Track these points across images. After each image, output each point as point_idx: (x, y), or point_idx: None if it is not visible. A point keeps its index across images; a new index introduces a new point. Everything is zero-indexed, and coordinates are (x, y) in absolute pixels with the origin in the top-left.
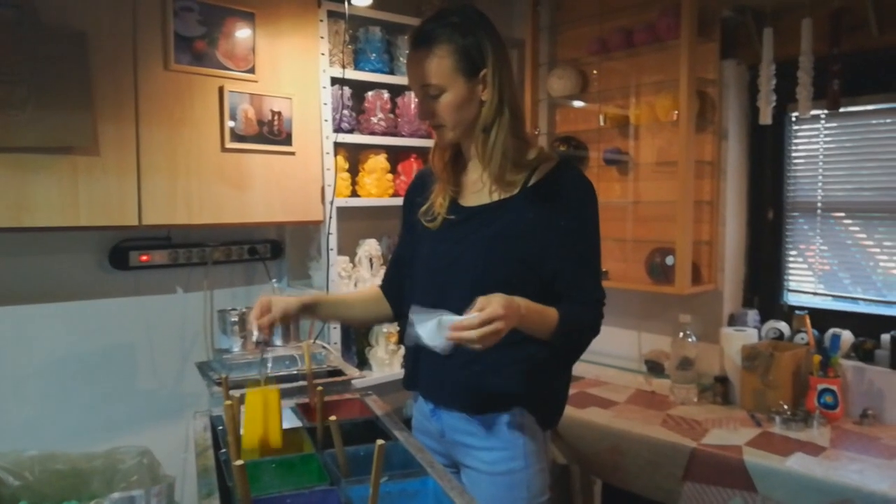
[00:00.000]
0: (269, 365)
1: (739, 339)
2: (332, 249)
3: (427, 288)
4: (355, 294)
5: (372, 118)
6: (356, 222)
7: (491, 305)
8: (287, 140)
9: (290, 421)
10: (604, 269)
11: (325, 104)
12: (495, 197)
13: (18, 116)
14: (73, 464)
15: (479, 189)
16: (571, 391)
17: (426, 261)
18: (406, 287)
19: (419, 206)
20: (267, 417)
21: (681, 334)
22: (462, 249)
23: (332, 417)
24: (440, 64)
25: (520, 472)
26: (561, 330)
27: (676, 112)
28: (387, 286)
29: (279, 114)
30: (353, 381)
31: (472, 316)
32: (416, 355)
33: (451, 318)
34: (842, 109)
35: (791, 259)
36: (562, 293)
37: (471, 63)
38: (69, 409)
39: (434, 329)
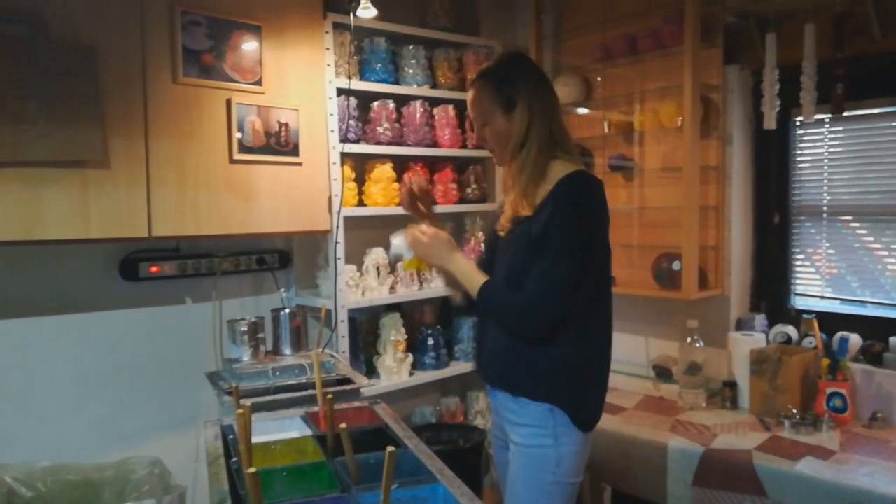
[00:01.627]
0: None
1: (747, 343)
2: (339, 258)
3: None
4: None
5: (378, 128)
6: (363, 231)
7: (431, 231)
8: (294, 151)
9: (301, 429)
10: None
11: (332, 115)
12: (527, 211)
13: (30, 131)
14: (85, 474)
15: None
16: None
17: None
18: None
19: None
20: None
21: (688, 339)
22: (506, 253)
23: (343, 425)
24: (482, 101)
25: (549, 447)
26: (478, 298)
27: (681, 118)
28: None
29: (286, 125)
30: (361, 390)
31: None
32: (480, 340)
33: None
34: (846, 113)
35: (798, 263)
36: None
37: (506, 100)
38: (80, 419)
39: (401, 239)
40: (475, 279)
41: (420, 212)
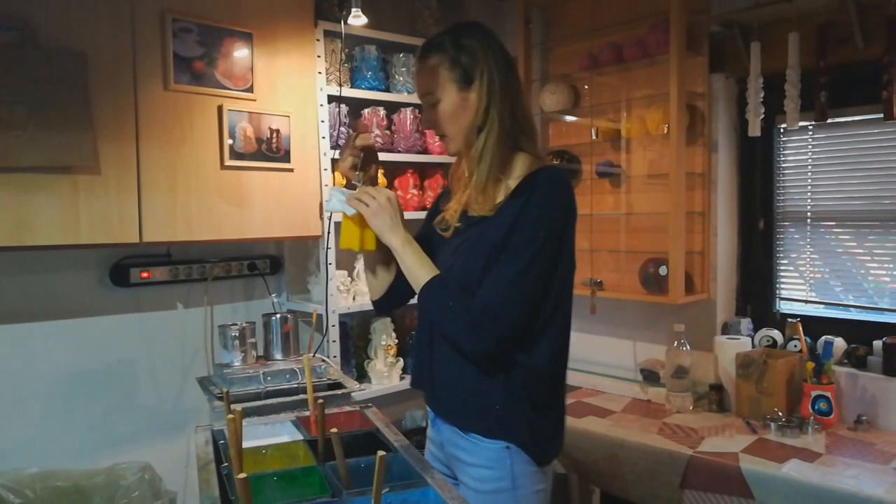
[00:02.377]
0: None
1: (733, 347)
2: (330, 264)
3: None
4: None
5: None
6: None
7: (381, 194)
8: (285, 157)
9: (291, 434)
10: (599, 280)
11: (323, 121)
12: (484, 210)
13: (20, 137)
14: (75, 481)
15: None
16: (568, 400)
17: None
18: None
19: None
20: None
21: (675, 343)
22: (456, 258)
23: (333, 430)
24: (431, 74)
25: (506, 492)
26: (424, 292)
27: (667, 125)
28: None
29: (277, 131)
30: (352, 394)
31: (363, 190)
32: (421, 356)
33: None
34: (829, 121)
35: (782, 268)
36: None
37: (462, 73)
38: (70, 425)
39: (338, 195)
40: (424, 268)
41: (366, 174)
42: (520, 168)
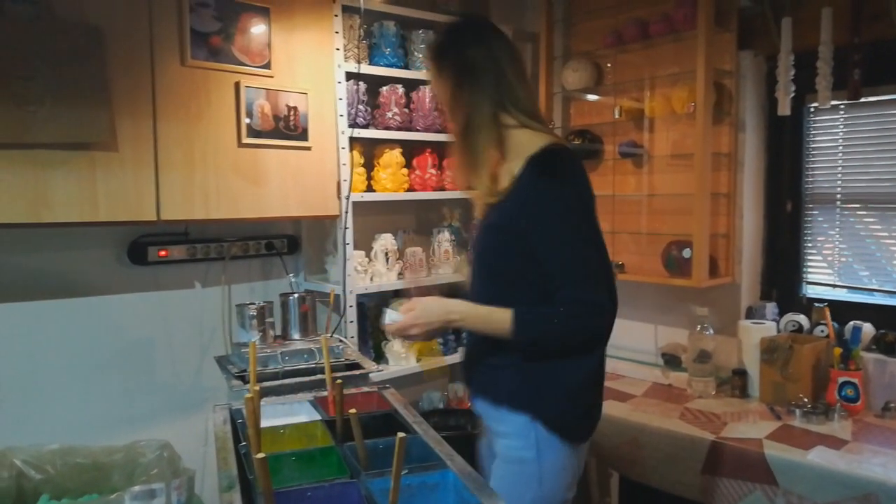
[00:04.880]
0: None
1: (758, 331)
2: (348, 244)
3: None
4: None
5: (387, 113)
6: (372, 217)
7: (411, 313)
8: (303, 135)
9: (309, 414)
10: (620, 262)
11: (341, 99)
12: (489, 196)
13: (36, 112)
14: (94, 457)
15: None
16: None
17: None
18: None
19: None
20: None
21: (698, 327)
22: (479, 240)
23: (352, 410)
24: (432, 76)
25: (531, 462)
26: (518, 333)
27: (693, 104)
28: None
29: (295, 109)
30: (370, 375)
31: (397, 319)
32: (466, 350)
33: (392, 316)
34: (861, 100)
35: (809, 251)
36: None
37: (448, 72)
38: (89, 403)
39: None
40: (496, 315)
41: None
42: (518, 145)
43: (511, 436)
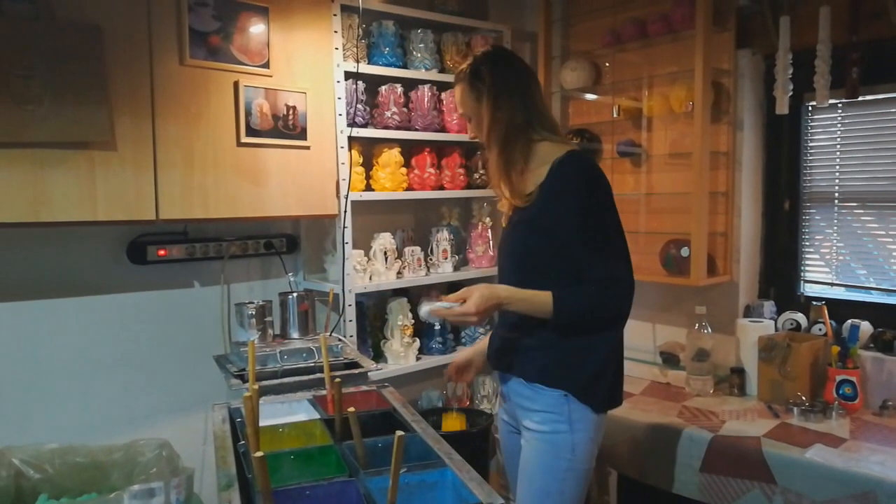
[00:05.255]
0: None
1: (756, 330)
2: (347, 243)
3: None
4: None
5: (385, 112)
6: (371, 216)
7: (470, 299)
8: (302, 134)
9: (308, 413)
10: None
11: (340, 98)
12: (518, 201)
13: (35, 111)
14: (93, 456)
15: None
16: None
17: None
18: None
19: None
20: None
21: (696, 326)
22: (509, 238)
23: (351, 409)
24: (461, 96)
25: (564, 433)
26: (558, 310)
27: (691, 103)
28: None
29: (294, 108)
30: (369, 374)
31: (449, 305)
32: (494, 333)
33: (440, 304)
34: (859, 98)
35: (807, 250)
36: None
37: (476, 92)
38: (88, 402)
39: (427, 310)
40: (538, 297)
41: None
42: (543, 154)
43: (545, 411)
